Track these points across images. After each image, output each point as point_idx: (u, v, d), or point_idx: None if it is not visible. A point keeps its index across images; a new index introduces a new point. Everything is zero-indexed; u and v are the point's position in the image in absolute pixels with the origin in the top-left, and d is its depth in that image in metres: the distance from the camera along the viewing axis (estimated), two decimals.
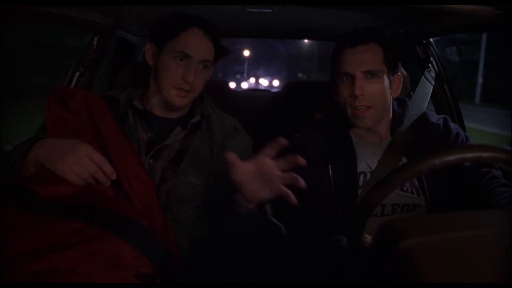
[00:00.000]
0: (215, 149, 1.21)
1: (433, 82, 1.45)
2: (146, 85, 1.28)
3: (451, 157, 0.69)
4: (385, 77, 1.23)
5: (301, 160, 0.90)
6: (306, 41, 10.49)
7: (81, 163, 0.96)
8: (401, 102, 1.36)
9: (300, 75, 14.81)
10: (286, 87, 2.29)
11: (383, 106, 1.24)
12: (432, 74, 1.47)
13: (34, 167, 0.99)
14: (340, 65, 1.23)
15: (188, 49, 1.17)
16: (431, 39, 1.68)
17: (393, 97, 1.30)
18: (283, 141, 0.93)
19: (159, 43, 1.20)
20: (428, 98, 1.39)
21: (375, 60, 1.21)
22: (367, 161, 1.27)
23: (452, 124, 1.30)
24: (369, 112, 1.22)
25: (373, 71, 1.21)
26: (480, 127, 6.87)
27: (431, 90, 1.43)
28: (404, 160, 1.25)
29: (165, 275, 0.88)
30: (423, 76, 1.45)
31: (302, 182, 0.91)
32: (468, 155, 0.71)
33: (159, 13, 1.26)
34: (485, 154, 0.71)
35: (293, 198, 0.92)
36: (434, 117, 1.32)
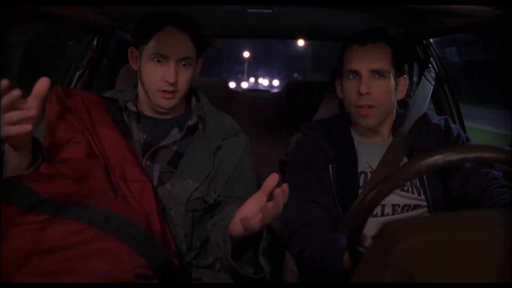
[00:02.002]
0: (212, 151, 1.20)
1: (433, 83, 1.45)
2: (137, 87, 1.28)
3: (453, 157, 0.69)
4: (392, 77, 1.23)
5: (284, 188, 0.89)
6: (301, 42, 10.48)
7: None
8: (403, 103, 1.36)
9: (295, 75, 14.85)
10: (286, 87, 2.29)
11: (388, 106, 1.24)
12: (432, 75, 1.47)
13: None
14: (348, 62, 1.23)
15: (163, 50, 1.14)
16: (431, 40, 1.68)
17: (397, 99, 1.30)
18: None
19: (138, 47, 1.20)
20: (429, 99, 1.39)
21: (383, 59, 1.21)
22: (368, 161, 1.27)
23: (453, 125, 1.30)
24: (373, 111, 1.21)
25: (381, 70, 1.20)
26: None
27: (431, 91, 1.43)
28: (405, 160, 1.25)
29: (163, 276, 0.88)
30: (423, 77, 1.45)
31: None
32: (471, 155, 0.71)
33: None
34: (486, 155, 0.71)
35: None
36: (435, 118, 1.32)
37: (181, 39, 1.16)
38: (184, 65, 1.17)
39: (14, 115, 0.86)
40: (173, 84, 1.15)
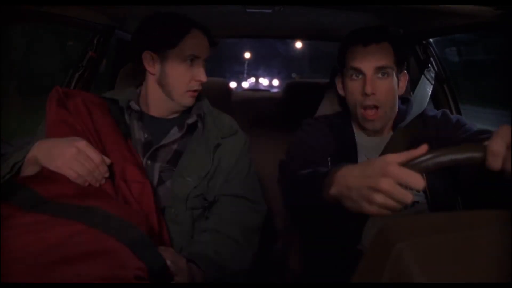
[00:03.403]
0: (212, 149, 1.21)
1: (433, 82, 1.45)
2: (142, 87, 1.28)
3: (443, 159, 0.70)
4: (394, 75, 1.24)
5: None
6: (298, 44, 10.48)
7: (79, 159, 0.96)
8: (404, 100, 1.37)
9: (293, 75, 14.88)
10: (286, 87, 2.29)
11: (392, 105, 1.25)
12: (432, 74, 1.48)
13: (34, 167, 0.99)
14: (351, 61, 1.23)
15: (196, 52, 1.19)
16: (431, 39, 1.68)
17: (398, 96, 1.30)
18: None
19: (160, 51, 1.19)
20: (428, 98, 1.40)
21: (386, 58, 1.22)
22: (368, 155, 1.27)
23: (452, 115, 1.29)
24: (378, 114, 1.22)
25: (385, 67, 1.21)
26: None
27: (431, 90, 1.44)
28: None
29: (159, 278, 0.88)
30: (423, 76, 1.45)
31: None
32: (460, 156, 0.71)
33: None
34: (477, 155, 0.71)
35: None
36: (433, 111, 1.33)
37: (205, 40, 1.23)
38: (203, 65, 1.23)
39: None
40: (202, 83, 1.22)
